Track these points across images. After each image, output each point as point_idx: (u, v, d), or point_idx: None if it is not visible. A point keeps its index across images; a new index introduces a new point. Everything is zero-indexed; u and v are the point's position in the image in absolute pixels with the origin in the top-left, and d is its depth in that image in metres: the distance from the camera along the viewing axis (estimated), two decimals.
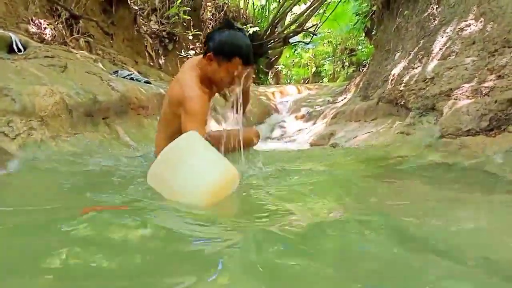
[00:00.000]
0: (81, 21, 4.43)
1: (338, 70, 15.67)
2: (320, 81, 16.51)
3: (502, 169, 1.84)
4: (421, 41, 3.83)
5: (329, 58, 16.45)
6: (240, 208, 1.52)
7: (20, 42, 3.03)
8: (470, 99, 2.67)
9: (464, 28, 3.27)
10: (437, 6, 3.89)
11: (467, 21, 3.30)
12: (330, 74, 16.29)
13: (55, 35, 3.82)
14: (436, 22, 3.79)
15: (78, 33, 4.31)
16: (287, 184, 1.86)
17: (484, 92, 2.60)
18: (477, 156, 2.09)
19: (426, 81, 3.27)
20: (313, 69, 17.15)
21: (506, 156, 1.95)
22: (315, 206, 1.48)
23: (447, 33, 3.45)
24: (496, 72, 2.65)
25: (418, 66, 3.56)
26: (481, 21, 3.16)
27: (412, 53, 3.85)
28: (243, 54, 1.85)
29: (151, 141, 3.57)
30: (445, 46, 3.37)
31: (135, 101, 3.56)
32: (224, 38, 1.87)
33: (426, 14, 4.01)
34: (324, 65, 16.96)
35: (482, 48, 2.95)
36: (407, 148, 2.64)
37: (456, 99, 2.78)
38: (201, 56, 1.98)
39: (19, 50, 2.96)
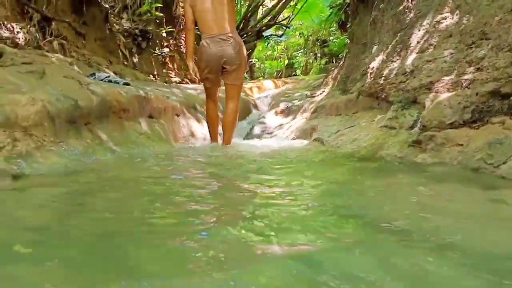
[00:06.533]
0: (53, 23, 4.32)
1: (311, 61, 15.75)
2: (293, 73, 16.57)
3: (489, 164, 1.91)
4: (398, 34, 3.89)
5: (301, 50, 16.50)
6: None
7: None
8: (451, 91, 2.74)
9: (440, 21, 3.34)
10: None
11: (442, 14, 3.37)
12: (303, 65, 16.37)
13: (28, 39, 3.71)
14: (411, 15, 3.85)
15: (51, 36, 4.20)
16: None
17: (464, 84, 2.67)
18: (463, 152, 2.16)
19: (406, 74, 3.33)
20: (286, 61, 17.20)
21: (491, 148, 2.02)
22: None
23: (424, 26, 3.52)
24: (474, 65, 2.72)
25: (397, 60, 3.62)
26: (456, 14, 3.24)
27: (390, 46, 3.91)
28: None
29: (133, 144, 3.54)
30: (423, 39, 3.43)
31: (115, 104, 3.50)
32: None
33: (401, 7, 4.07)
34: (296, 57, 17.03)
35: (459, 41, 3.02)
36: (393, 145, 2.68)
37: (437, 92, 2.84)
38: None
39: None
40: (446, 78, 2.86)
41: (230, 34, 4.12)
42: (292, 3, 11.29)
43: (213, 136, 4.46)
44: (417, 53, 3.37)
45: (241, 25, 10.04)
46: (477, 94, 2.46)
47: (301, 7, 11.09)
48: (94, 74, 4.14)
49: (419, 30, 3.55)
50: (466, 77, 2.70)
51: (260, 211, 1.47)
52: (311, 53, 15.66)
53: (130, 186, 2.09)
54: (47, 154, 2.44)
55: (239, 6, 11.10)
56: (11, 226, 1.31)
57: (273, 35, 12.24)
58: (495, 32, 2.74)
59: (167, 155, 3.33)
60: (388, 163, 2.45)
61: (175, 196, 1.80)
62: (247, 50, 4.90)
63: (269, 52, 17.12)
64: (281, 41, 14.63)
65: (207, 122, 4.51)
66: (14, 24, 3.68)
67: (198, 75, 4.41)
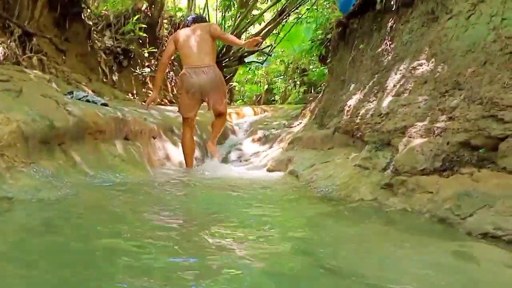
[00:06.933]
0: (34, 39, 4.27)
1: (290, 88, 15.98)
2: (272, 98, 16.74)
3: (456, 215, 1.97)
4: (376, 76, 3.99)
5: (281, 77, 16.75)
6: None
7: None
8: (424, 138, 2.82)
9: (417, 67, 3.44)
10: (391, 42, 4.09)
11: (419, 60, 3.48)
12: (282, 92, 16.59)
13: (8, 54, 3.66)
14: (389, 58, 3.97)
15: (31, 51, 4.15)
16: None
17: (436, 132, 2.76)
18: (432, 200, 2.22)
19: (381, 116, 3.41)
20: (266, 86, 17.38)
21: (459, 199, 2.08)
22: None
23: (401, 70, 3.63)
24: (447, 113, 2.82)
25: (374, 100, 3.71)
26: (432, 62, 3.35)
27: (367, 86, 4.01)
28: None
29: (108, 168, 3.49)
30: (399, 83, 3.54)
31: (92, 125, 3.47)
32: None
33: (380, 49, 4.20)
34: (276, 83, 17.25)
35: (434, 88, 3.12)
36: (366, 186, 2.74)
37: (410, 137, 2.92)
38: None
39: None
40: (419, 124, 2.94)
41: (210, 67, 4.46)
42: (274, 32, 11.50)
43: (188, 162, 4.63)
44: (393, 96, 3.46)
45: (224, 50, 10.13)
46: (448, 143, 2.54)
47: (284, 36, 11.31)
48: (72, 92, 4.10)
49: (396, 74, 3.65)
50: (438, 125, 2.79)
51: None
52: (291, 80, 15.91)
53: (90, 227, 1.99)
54: (18, 175, 2.40)
55: (223, 30, 11.22)
56: None
57: (255, 61, 12.40)
58: (468, 83, 2.84)
59: (138, 184, 3.28)
60: (358, 207, 2.50)
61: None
62: (228, 74, 5.40)
63: (250, 76, 17.29)
64: (262, 66, 14.80)
65: (183, 149, 4.63)
66: None
67: (152, 105, 4.95)
